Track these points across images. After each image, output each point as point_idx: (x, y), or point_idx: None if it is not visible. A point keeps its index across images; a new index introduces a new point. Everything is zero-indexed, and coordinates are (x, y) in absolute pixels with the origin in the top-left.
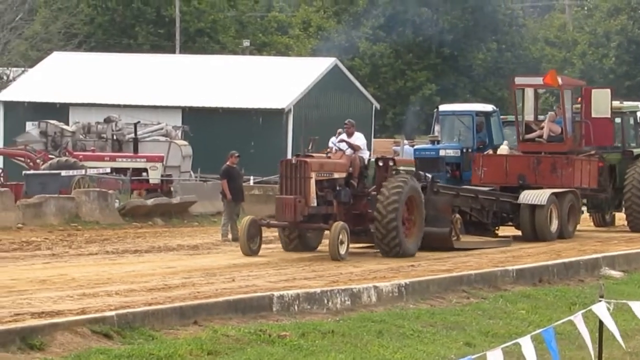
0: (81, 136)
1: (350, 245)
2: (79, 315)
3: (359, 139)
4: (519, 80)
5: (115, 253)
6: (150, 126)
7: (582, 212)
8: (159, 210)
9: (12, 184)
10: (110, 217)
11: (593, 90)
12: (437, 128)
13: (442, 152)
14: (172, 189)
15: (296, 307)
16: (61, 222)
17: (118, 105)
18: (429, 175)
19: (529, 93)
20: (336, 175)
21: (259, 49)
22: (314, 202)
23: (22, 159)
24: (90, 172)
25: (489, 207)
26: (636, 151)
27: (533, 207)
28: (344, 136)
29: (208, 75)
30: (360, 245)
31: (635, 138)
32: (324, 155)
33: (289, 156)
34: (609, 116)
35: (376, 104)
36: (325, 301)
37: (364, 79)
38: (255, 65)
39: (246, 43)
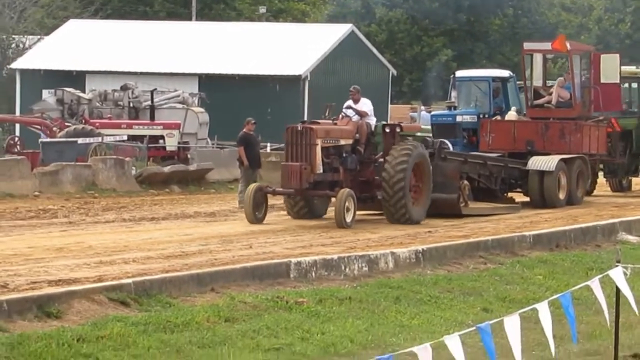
0: (98, 104)
1: (357, 212)
2: (96, 282)
3: (365, 104)
4: (527, 45)
5: (132, 220)
6: (166, 93)
7: (598, 177)
8: (176, 178)
9: (28, 152)
10: (127, 184)
11: (602, 56)
12: (453, 94)
13: (458, 118)
14: (189, 156)
15: (313, 274)
16: (78, 189)
17: (134, 73)
18: (439, 141)
19: (538, 58)
20: (342, 142)
21: (276, 15)
22: (319, 169)
23: (39, 126)
24: (107, 139)
25: (497, 174)
26: None
27: (542, 173)
28: (350, 102)
29: (224, 43)
30: (367, 212)
31: None
32: (330, 121)
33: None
34: (618, 81)
35: (393, 70)
36: (343, 267)
37: (381, 45)
38: (272, 32)
39: (262, 10)
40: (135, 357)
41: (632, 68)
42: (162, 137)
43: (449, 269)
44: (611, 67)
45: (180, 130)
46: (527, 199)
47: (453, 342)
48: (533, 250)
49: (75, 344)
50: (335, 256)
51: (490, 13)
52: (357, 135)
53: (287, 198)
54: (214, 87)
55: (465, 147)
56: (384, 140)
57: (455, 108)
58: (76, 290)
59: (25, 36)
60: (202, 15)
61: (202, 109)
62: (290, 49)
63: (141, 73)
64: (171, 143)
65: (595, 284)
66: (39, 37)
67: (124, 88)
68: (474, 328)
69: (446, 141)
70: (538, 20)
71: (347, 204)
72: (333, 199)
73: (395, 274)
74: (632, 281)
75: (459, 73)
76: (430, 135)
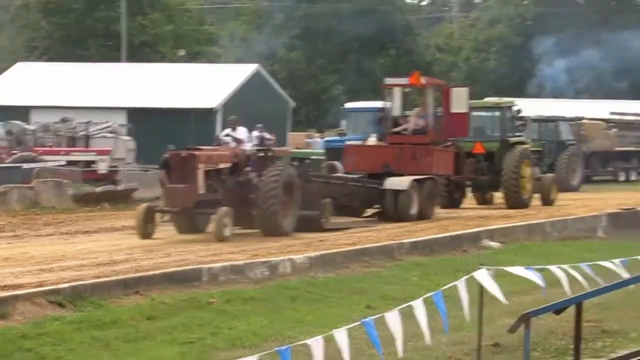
0: (41, 134)
1: (236, 227)
2: (37, 287)
3: (242, 132)
4: (388, 80)
5: (69, 234)
6: (99, 125)
7: (466, 192)
8: (107, 197)
9: None
10: (64, 203)
11: (452, 89)
12: (343, 123)
13: (348, 143)
14: (118, 178)
15: (223, 278)
16: (23, 208)
17: (72, 107)
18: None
19: (397, 92)
20: (222, 165)
21: (193, 57)
22: (202, 190)
23: None
24: (48, 164)
25: (357, 193)
26: (513, 140)
27: (396, 192)
28: (228, 131)
29: (149, 81)
30: (244, 228)
31: (512, 129)
32: (211, 147)
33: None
34: (466, 111)
35: (292, 103)
36: (248, 272)
37: (282, 82)
38: (190, 72)
39: (182, 52)
40: (71, 350)
41: (495, 99)
42: (95, 162)
43: (338, 272)
44: (460, 99)
45: (111, 156)
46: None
47: (341, 335)
48: (410, 255)
49: (19, 340)
50: (241, 262)
51: (375, 53)
52: (235, 159)
53: (173, 215)
54: (140, 119)
55: None
56: (257, 163)
57: (345, 135)
58: (20, 294)
59: None
60: (131, 58)
61: (129, 138)
62: (205, 85)
63: (78, 107)
64: (103, 167)
65: (461, 283)
66: None
67: (63, 120)
68: (359, 322)
69: (337, 163)
70: (416, 59)
71: (225, 220)
72: (213, 216)
73: (292, 277)
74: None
75: (348, 105)
76: (324, 157)
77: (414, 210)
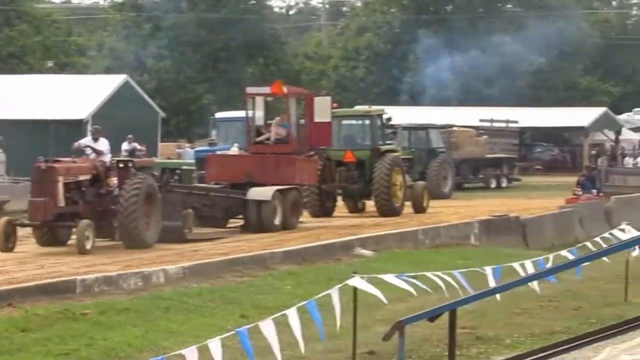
0: None
1: (98, 240)
2: None
3: (103, 144)
4: (249, 89)
5: None
6: None
7: (337, 200)
8: None
9: None
10: None
11: (315, 98)
12: (214, 132)
13: (210, 154)
14: None
15: (96, 289)
16: None
17: None
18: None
19: (259, 101)
20: (81, 178)
21: (61, 68)
22: (62, 203)
23: None
24: None
25: (220, 203)
26: (383, 148)
27: (260, 202)
28: (88, 140)
29: (18, 92)
30: (106, 240)
31: (382, 137)
32: (71, 159)
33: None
34: (329, 120)
35: (162, 113)
36: (121, 283)
37: (151, 92)
38: (58, 83)
39: (50, 64)
40: None
41: (365, 107)
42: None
43: (211, 282)
44: (323, 108)
45: None
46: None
47: (215, 345)
48: (283, 264)
49: None
50: (114, 273)
51: (244, 62)
52: (95, 171)
53: (34, 229)
54: (10, 131)
55: None
56: (118, 174)
57: (215, 144)
58: None
59: None
60: None
61: (0, 149)
62: (74, 96)
63: None
64: None
65: (334, 292)
66: None
67: None
68: (233, 332)
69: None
70: (285, 68)
71: (86, 233)
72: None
73: (166, 287)
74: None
75: (219, 114)
76: (194, 168)
77: (277, 220)
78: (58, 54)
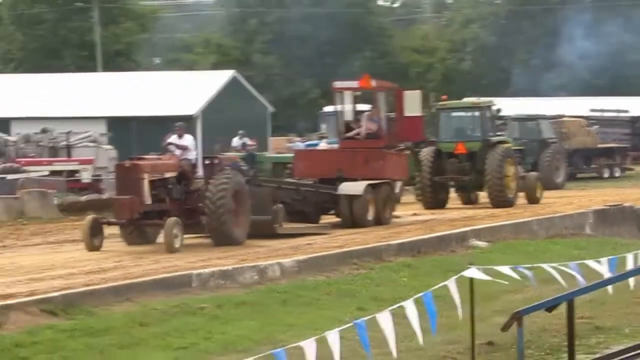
0: (22, 145)
1: (187, 236)
2: (29, 296)
3: (187, 140)
4: (337, 84)
5: (57, 243)
6: (80, 134)
7: (449, 193)
8: (92, 205)
9: None
10: (50, 212)
11: (404, 92)
12: (323, 126)
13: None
14: (102, 186)
15: (212, 283)
16: (9, 218)
17: (52, 118)
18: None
19: (348, 95)
20: (167, 175)
21: (168, 65)
22: (148, 201)
23: None
24: (32, 175)
25: (310, 198)
26: (494, 139)
27: (351, 197)
28: (174, 138)
29: (127, 89)
30: (195, 235)
31: (492, 128)
32: (156, 157)
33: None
34: (420, 114)
35: (271, 108)
36: (237, 277)
37: (259, 87)
38: (166, 79)
39: (157, 60)
40: (65, 358)
41: (473, 99)
42: (78, 171)
43: (327, 274)
44: (413, 102)
45: (93, 165)
46: (339, 219)
47: (333, 337)
48: (398, 256)
49: (14, 349)
50: (230, 267)
51: (350, 56)
52: (180, 168)
53: (121, 227)
54: (120, 127)
55: None
56: (204, 171)
57: (326, 138)
58: (12, 303)
59: None
60: (106, 67)
61: (110, 146)
62: (183, 93)
63: (58, 117)
64: (86, 176)
65: (451, 283)
66: None
67: (44, 131)
68: (351, 324)
69: None
70: (392, 61)
71: (174, 231)
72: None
73: (282, 281)
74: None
75: (326, 109)
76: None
77: (370, 215)
78: (165, 50)
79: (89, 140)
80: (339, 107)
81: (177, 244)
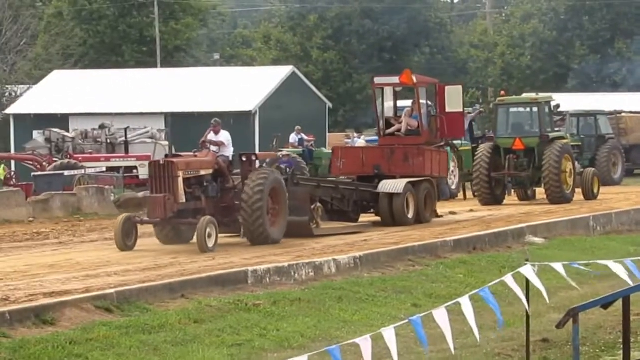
0: (80, 141)
1: (223, 235)
2: (84, 293)
3: (223, 136)
4: (378, 80)
5: (112, 239)
6: (138, 130)
7: (507, 189)
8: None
9: (23, 184)
10: (107, 208)
11: (446, 87)
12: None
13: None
14: None
15: (268, 279)
16: (66, 214)
17: (110, 114)
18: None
19: (388, 91)
20: (203, 172)
21: (228, 60)
22: (182, 199)
23: (31, 162)
24: (89, 171)
25: (349, 197)
26: (552, 135)
27: (391, 195)
28: (210, 135)
29: (185, 85)
30: (231, 234)
31: (550, 124)
32: (192, 154)
33: (257, 151)
34: (462, 110)
35: (329, 104)
36: (292, 273)
37: (318, 83)
38: (225, 75)
39: (216, 56)
40: (120, 355)
41: (532, 95)
42: (135, 167)
43: (383, 271)
44: (455, 97)
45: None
46: (378, 218)
47: (389, 334)
48: (454, 253)
49: (68, 346)
50: (285, 264)
51: (410, 52)
52: (216, 165)
53: (155, 226)
54: (178, 123)
55: None
56: (241, 168)
57: None
58: (67, 300)
59: (17, 86)
60: (166, 63)
61: (168, 142)
62: (241, 88)
63: (116, 114)
64: (143, 172)
65: (509, 279)
66: (28, 86)
67: (102, 127)
68: (406, 321)
69: None
70: (451, 57)
71: (208, 230)
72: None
73: (337, 278)
74: (539, 276)
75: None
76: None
77: (410, 214)
78: (224, 46)
79: (146, 136)
80: (379, 104)
81: (210, 244)
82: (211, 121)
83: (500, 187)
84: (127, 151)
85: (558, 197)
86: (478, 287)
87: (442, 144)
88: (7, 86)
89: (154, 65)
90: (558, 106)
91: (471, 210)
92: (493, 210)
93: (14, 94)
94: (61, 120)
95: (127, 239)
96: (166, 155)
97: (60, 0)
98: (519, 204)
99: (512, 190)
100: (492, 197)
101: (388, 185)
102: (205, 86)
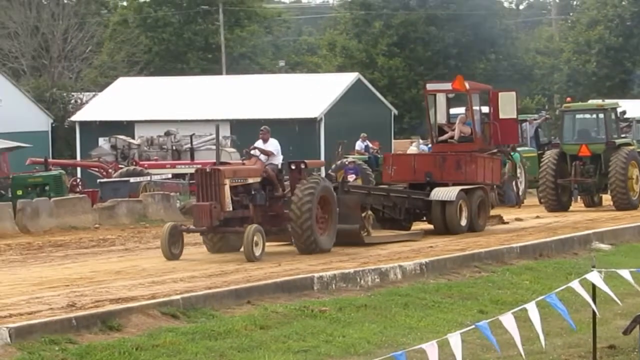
0: (145, 148)
1: (272, 244)
2: (150, 299)
3: (272, 144)
4: (430, 86)
5: None
6: (203, 137)
7: (573, 195)
8: None
9: (89, 190)
10: (172, 215)
11: (500, 94)
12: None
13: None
14: None
15: (334, 286)
16: (131, 221)
17: (175, 121)
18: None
19: (441, 98)
20: (250, 180)
21: (293, 67)
22: (229, 207)
23: (97, 169)
24: (154, 178)
25: (400, 204)
26: (618, 142)
27: (444, 203)
28: (259, 143)
29: (250, 92)
30: (281, 243)
31: (616, 130)
32: (240, 162)
33: (322, 158)
34: (515, 117)
35: (394, 110)
36: (358, 279)
37: (383, 89)
38: (290, 82)
39: (282, 63)
40: None
41: (598, 101)
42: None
43: (449, 277)
44: (508, 104)
45: None
46: (431, 226)
47: (455, 340)
48: (520, 259)
49: (134, 352)
50: (351, 270)
51: (475, 58)
52: (265, 173)
53: (202, 234)
54: (243, 130)
55: None
56: (290, 176)
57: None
58: (133, 306)
59: (82, 93)
60: (231, 70)
61: (233, 149)
62: (306, 95)
63: (181, 120)
64: None
65: (576, 285)
66: (93, 93)
67: (167, 134)
68: (473, 327)
69: None
70: (516, 63)
71: (255, 238)
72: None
73: (403, 284)
74: (605, 283)
75: (452, 110)
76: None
77: (463, 221)
78: (289, 53)
79: (212, 143)
80: (431, 110)
81: (257, 252)
82: (260, 128)
83: (566, 193)
84: (192, 158)
85: (624, 203)
86: (544, 293)
87: (494, 150)
88: (72, 93)
89: (219, 73)
90: (624, 112)
91: (537, 217)
92: (559, 217)
93: (79, 101)
94: (127, 127)
95: (173, 247)
96: (214, 163)
97: (125, 7)
98: (585, 210)
99: (579, 197)
100: (559, 204)
101: (441, 193)
102: (270, 93)
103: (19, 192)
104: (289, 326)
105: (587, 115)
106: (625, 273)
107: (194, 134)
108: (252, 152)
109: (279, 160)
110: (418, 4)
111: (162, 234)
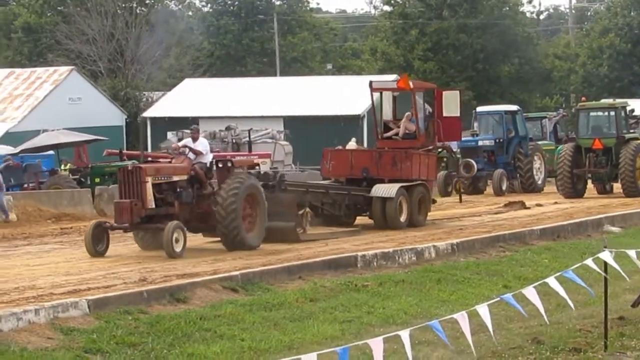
0: (209, 141)
1: (208, 239)
2: (212, 275)
3: (201, 144)
4: (376, 84)
5: None
6: (260, 131)
7: (587, 183)
8: None
9: None
10: None
11: (444, 92)
12: (475, 124)
13: (480, 143)
14: None
15: (375, 263)
16: None
17: (235, 117)
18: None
19: (387, 95)
20: (176, 178)
21: (339, 70)
22: (151, 204)
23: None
24: None
25: (340, 201)
26: (627, 136)
27: (384, 200)
28: (189, 141)
29: (301, 92)
30: (213, 239)
31: (626, 126)
32: (167, 160)
33: None
34: (458, 115)
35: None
36: (397, 258)
37: None
38: (337, 83)
39: (329, 66)
40: (244, 330)
41: (609, 100)
42: (257, 164)
43: (477, 256)
44: (452, 102)
45: (271, 159)
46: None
47: (483, 310)
48: (540, 240)
49: (199, 321)
50: (391, 249)
51: (500, 62)
52: (192, 171)
53: (125, 231)
54: (295, 125)
55: (486, 165)
56: (217, 174)
57: (477, 135)
58: (197, 281)
59: (153, 92)
60: (284, 72)
61: (287, 142)
62: (351, 95)
63: (240, 117)
64: (264, 169)
65: (590, 262)
66: (162, 92)
67: (228, 128)
68: (498, 299)
69: (471, 161)
70: (537, 67)
71: (175, 235)
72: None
73: (436, 262)
74: (615, 261)
75: (479, 109)
76: (459, 156)
77: (403, 217)
78: (336, 57)
79: (267, 137)
80: (376, 108)
81: (177, 249)
82: (190, 127)
83: (581, 182)
84: (250, 150)
85: (633, 191)
86: (561, 270)
87: (430, 147)
88: (144, 92)
89: (274, 74)
90: (633, 110)
91: (555, 203)
92: (575, 203)
93: (150, 100)
94: (192, 123)
95: (97, 245)
96: (144, 161)
97: (191, 17)
98: (598, 197)
99: (592, 185)
100: (574, 191)
101: (381, 190)
102: (319, 92)
103: (97, 180)
104: (335, 299)
105: (600, 113)
106: (632, 253)
107: (251, 129)
108: (181, 150)
109: (208, 158)
110: (450, 14)
111: (86, 232)
